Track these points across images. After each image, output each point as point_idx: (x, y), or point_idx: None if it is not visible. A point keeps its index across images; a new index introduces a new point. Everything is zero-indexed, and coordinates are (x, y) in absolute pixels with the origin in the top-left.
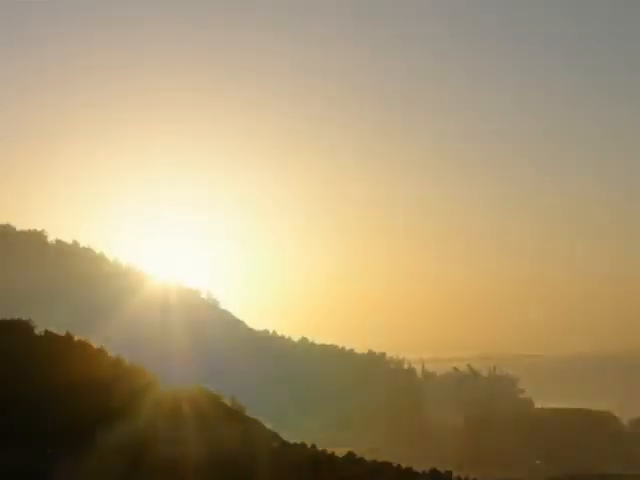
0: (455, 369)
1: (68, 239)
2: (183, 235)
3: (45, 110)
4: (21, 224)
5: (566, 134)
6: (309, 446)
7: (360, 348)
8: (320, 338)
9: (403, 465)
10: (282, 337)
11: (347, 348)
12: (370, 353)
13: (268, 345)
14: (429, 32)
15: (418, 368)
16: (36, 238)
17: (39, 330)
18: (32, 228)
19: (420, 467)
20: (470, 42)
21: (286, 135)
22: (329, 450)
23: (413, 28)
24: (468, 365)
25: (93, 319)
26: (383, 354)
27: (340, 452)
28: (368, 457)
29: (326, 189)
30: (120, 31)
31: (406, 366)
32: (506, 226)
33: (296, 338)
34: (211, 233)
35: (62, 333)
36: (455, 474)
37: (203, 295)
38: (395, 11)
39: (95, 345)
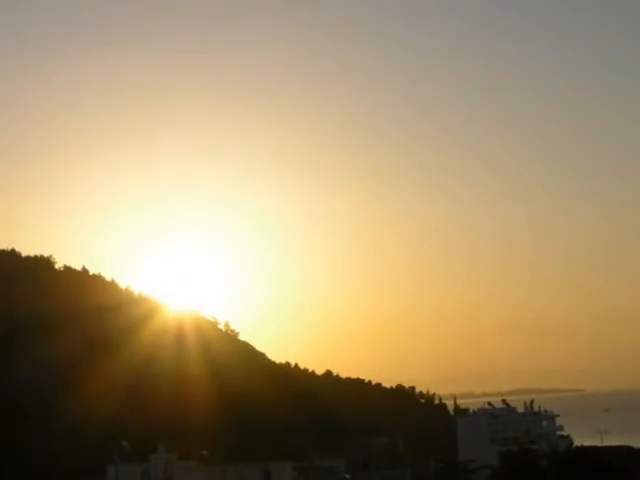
0: (489, 404)
1: (77, 265)
2: (199, 263)
3: (53, 130)
4: (27, 249)
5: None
6: None
7: (388, 382)
8: (345, 372)
9: None
10: (305, 370)
11: (374, 382)
12: (399, 387)
13: (291, 379)
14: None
15: (450, 403)
16: (43, 264)
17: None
18: (39, 254)
19: None
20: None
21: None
22: None
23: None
24: (503, 400)
25: (104, 350)
26: (412, 388)
27: None
28: None
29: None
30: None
31: (437, 401)
32: (543, 256)
33: (320, 371)
34: (227, 261)
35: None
36: None
37: (221, 326)
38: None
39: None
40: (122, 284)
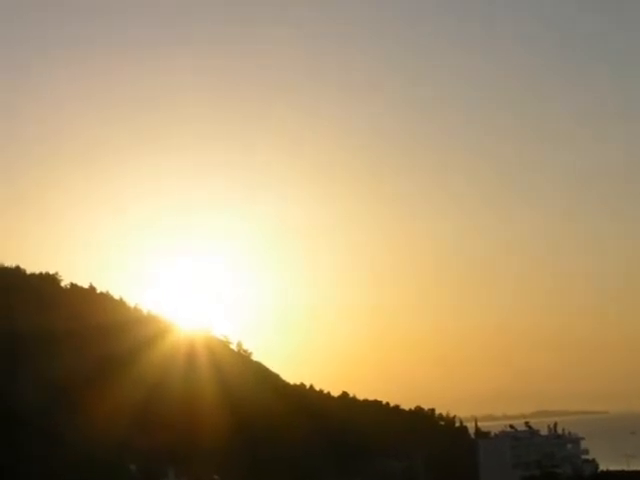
0: (511, 427)
1: (84, 283)
2: (209, 280)
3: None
4: (32, 266)
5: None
6: None
7: (407, 404)
8: (362, 393)
9: None
10: (320, 392)
11: (392, 404)
12: (418, 409)
13: (306, 400)
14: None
15: (470, 426)
16: (49, 282)
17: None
18: (44, 271)
19: None
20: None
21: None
22: None
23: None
24: (526, 422)
25: (111, 369)
26: (432, 410)
27: None
28: None
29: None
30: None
31: (458, 424)
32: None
33: (336, 393)
34: (240, 278)
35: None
36: None
37: (233, 346)
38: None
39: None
40: (130, 302)
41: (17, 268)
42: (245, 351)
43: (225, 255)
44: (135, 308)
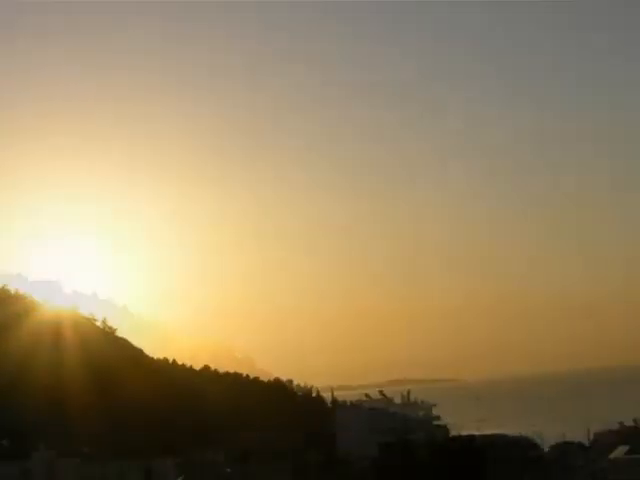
0: (367, 396)
1: None
2: (77, 260)
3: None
4: None
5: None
6: None
7: (265, 376)
8: (223, 366)
9: None
10: (183, 366)
11: (252, 376)
12: (276, 381)
13: (168, 374)
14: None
15: (327, 396)
16: None
17: None
18: None
19: None
20: None
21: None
22: None
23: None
24: (380, 391)
25: None
26: (290, 382)
27: None
28: None
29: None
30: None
31: (314, 394)
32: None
33: (198, 366)
34: (105, 257)
35: None
36: None
37: (98, 323)
38: None
39: None
40: None
41: None
42: (110, 328)
43: (90, 233)
44: (3, 288)
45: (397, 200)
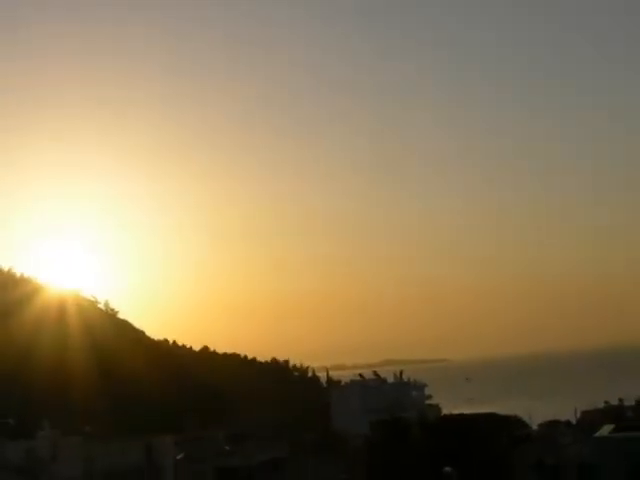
0: (361, 376)
1: None
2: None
3: None
4: None
5: None
6: None
7: (263, 356)
8: (222, 347)
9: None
10: (183, 347)
11: (250, 357)
12: (273, 361)
13: (168, 354)
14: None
15: (322, 375)
16: None
17: None
18: None
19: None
20: None
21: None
22: None
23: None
24: (374, 371)
25: None
26: (286, 362)
27: None
28: None
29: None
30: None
31: (310, 374)
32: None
33: (197, 347)
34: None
35: None
36: None
37: (101, 305)
38: None
39: None
40: (4, 266)
41: None
42: (112, 310)
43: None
44: (9, 272)
45: (397, 188)
